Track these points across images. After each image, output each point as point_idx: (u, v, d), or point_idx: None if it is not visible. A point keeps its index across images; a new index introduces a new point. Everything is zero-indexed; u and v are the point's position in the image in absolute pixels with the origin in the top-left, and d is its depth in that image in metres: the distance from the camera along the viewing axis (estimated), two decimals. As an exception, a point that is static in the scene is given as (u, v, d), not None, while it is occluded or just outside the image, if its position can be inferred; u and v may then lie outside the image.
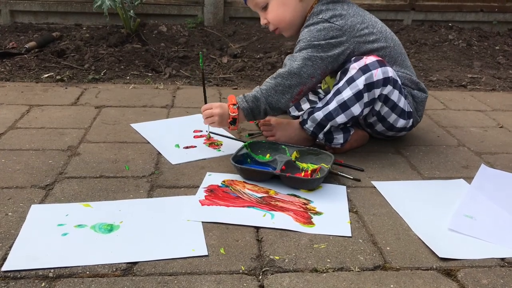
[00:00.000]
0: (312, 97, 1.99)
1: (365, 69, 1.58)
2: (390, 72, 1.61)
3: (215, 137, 1.84)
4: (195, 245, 1.19)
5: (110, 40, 3.02)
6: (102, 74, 2.58)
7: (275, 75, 1.63)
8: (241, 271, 1.11)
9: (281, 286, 1.07)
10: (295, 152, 1.63)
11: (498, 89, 2.71)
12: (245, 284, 1.06)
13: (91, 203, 1.35)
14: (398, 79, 1.66)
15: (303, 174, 1.55)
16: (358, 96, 1.59)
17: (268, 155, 1.65)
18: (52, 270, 1.08)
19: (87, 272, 1.08)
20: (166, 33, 3.35)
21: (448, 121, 2.15)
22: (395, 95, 1.65)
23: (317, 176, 1.51)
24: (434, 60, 3.19)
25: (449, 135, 2.00)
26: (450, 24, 3.94)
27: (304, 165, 1.59)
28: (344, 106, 1.61)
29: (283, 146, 1.67)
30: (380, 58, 1.62)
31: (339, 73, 1.67)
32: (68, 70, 2.59)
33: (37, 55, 2.77)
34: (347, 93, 1.60)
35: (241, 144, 1.68)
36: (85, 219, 1.27)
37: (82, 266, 1.09)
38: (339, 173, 1.58)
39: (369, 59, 1.60)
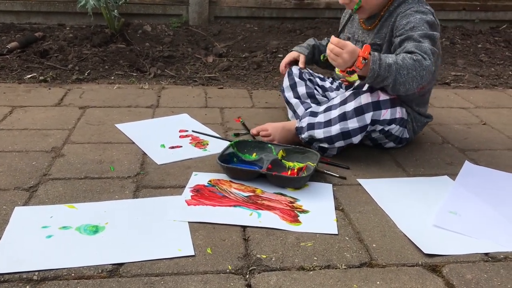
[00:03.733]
0: (310, 83, 1.96)
1: (376, 106, 1.58)
2: (398, 113, 1.63)
3: (201, 137, 1.84)
4: (182, 245, 1.18)
5: (94, 40, 2.99)
6: (86, 74, 2.56)
7: (415, 58, 1.50)
8: (228, 270, 1.11)
9: (268, 285, 1.07)
10: (281, 150, 1.64)
11: (481, 87, 2.75)
12: (232, 284, 1.06)
13: (75, 204, 1.34)
14: (406, 116, 1.69)
15: (289, 172, 1.55)
16: (362, 129, 1.60)
17: (254, 154, 1.65)
18: (36, 273, 1.06)
19: (73, 274, 1.07)
20: (150, 33, 3.33)
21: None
22: (395, 129, 1.68)
23: (303, 175, 1.52)
24: (418, 58, 3.22)
25: (433, 132, 2.02)
26: (433, 23, 3.98)
27: (290, 163, 1.59)
28: (346, 135, 1.61)
29: (269, 145, 1.67)
30: (393, 96, 1.61)
31: (349, 92, 1.65)
32: (52, 71, 2.56)
33: (20, 56, 2.73)
34: (353, 124, 1.59)
35: (227, 143, 1.67)
36: (70, 220, 1.26)
37: (67, 268, 1.08)
38: (325, 171, 1.58)
39: (382, 96, 1.59)
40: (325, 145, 1.65)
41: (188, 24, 3.64)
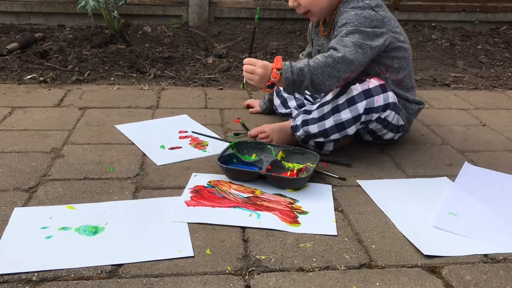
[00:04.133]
0: (298, 95, 1.99)
1: (367, 94, 1.58)
2: (391, 98, 1.63)
3: (201, 138, 1.84)
4: (181, 246, 1.18)
5: (94, 41, 2.99)
6: (86, 75, 2.56)
7: (327, 55, 1.55)
8: (227, 271, 1.11)
9: (268, 285, 1.07)
10: (281, 151, 1.64)
11: (480, 88, 2.75)
12: (231, 285, 1.06)
13: (75, 205, 1.34)
14: (397, 101, 1.68)
15: (289, 173, 1.55)
16: (356, 119, 1.60)
17: (254, 155, 1.65)
18: (35, 274, 1.06)
19: (72, 275, 1.07)
20: (150, 34, 3.33)
21: (432, 120, 2.17)
22: (391, 116, 1.67)
23: (303, 176, 1.52)
24: (418, 59, 3.22)
25: (433, 133, 2.02)
26: (433, 24, 3.99)
27: (290, 164, 1.59)
28: (340, 127, 1.61)
29: (269, 146, 1.67)
30: (382, 82, 1.62)
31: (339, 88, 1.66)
32: (51, 71, 2.56)
33: (20, 56, 2.73)
34: (346, 115, 1.59)
35: (226, 144, 1.67)
36: (70, 221, 1.26)
37: (66, 269, 1.08)
38: (325, 172, 1.58)
39: (372, 83, 1.60)
40: (321, 139, 1.65)
41: (188, 25, 3.64)
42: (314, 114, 1.66)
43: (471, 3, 4.02)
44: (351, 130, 1.62)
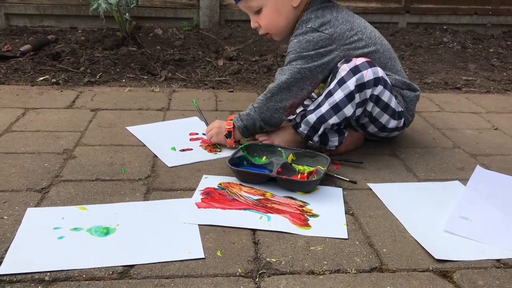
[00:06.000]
0: (306, 101, 1.99)
1: (355, 70, 1.59)
2: (380, 72, 1.62)
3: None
4: (192, 247, 1.18)
5: (105, 43, 3.02)
6: (97, 77, 2.58)
7: (266, 91, 1.67)
8: (238, 273, 1.11)
9: (278, 288, 1.07)
10: (291, 154, 1.64)
11: (492, 91, 2.73)
12: (242, 287, 1.06)
13: (87, 206, 1.35)
14: (388, 79, 1.68)
15: (299, 176, 1.55)
16: (349, 97, 1.60)
17: (264, 157, 1.65)
18: (48, 274, 1.07)
19: (84, 276, 1.08)
20: (161, 36, 3.35)
21: (443, 123, 2.15)
22: (386, 95, 1.66)
23: (314, 178, 1.52)
24: (429, 62, 3.21)
25: (444, 137, 2.01)
26: (444, 27, 3.96)
27: (300, 167, 1.59)
28: (336, 108, 1.62)
29: (279, 149, 1.67)
30: (369, 59, 1.63)
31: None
32: (64, 73, 2.59)
33: (33, 58, 2.76)
34: (338, 95, 1.61)
35: (237, 146, 1.68)
36: (81, 222, 1.27)
37: (78, 269, 1.09)
38: (335, 175, 1.58)
39: (359, 60, 1.61)
40: (321, 128, 1.66)
41: (199, 27, 3.66)
42: (311, 107, 1.69)
43: (483, 6, 3.99)
44: (348, 111, 1.62)
